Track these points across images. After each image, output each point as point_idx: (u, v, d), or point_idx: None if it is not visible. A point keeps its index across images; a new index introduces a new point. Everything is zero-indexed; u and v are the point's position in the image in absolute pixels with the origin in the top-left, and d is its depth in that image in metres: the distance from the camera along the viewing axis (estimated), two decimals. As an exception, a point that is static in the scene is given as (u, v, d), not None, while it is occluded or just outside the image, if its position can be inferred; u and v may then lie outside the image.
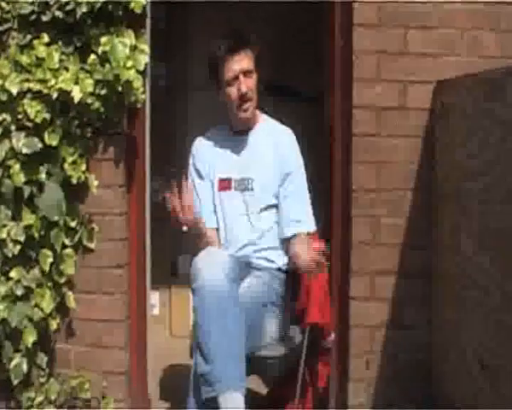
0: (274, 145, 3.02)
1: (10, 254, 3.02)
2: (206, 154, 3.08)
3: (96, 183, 3.05)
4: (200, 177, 3.07)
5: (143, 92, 3.03)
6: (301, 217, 2.98)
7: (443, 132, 2.97)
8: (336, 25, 3.09)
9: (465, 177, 2.75)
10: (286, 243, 2.99)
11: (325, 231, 3.21)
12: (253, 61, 2.94)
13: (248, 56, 2.93)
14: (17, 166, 2.99)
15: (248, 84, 2.92)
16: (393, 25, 3.01)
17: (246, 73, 2.91)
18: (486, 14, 3.03)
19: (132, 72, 2.95)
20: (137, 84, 2.97)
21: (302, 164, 3.04)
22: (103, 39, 2.94)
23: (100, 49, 2.94)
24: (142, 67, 2.99)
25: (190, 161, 3.12)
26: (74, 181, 2.99)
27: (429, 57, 3.03)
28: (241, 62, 2.91)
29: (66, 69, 2.97)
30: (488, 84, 2.59)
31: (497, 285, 2.45)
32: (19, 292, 3.01)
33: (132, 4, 2.96)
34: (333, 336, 3.10)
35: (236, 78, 2.91)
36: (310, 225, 2.99)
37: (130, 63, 2.95)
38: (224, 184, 3.02)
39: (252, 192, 2.99)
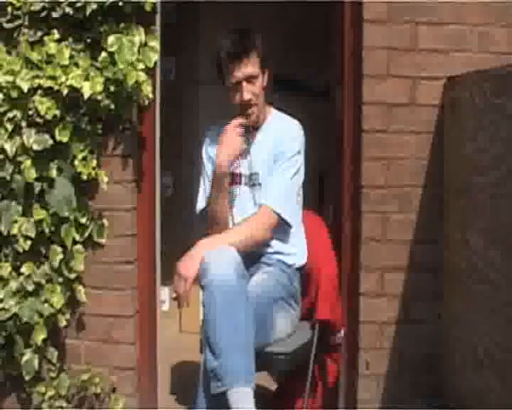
0: (277, 136, 3.00)
1: (21, 250, 3.03)
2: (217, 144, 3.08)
3: (106, 179, 3.05)
4: (212, 163, 3.06)
5: (152, 92, 3.04)
6: (270, 192, 2.93)
7: (452, 127, 2.96)
8: (346, 20, 3.08)
9: (475, 171, 2.75)
10: None
11: (335, 227, 3.21)
12: (257, 65, 2.91)
13: (252, 61, 2.89)
14: (28, 163, 2.99)
15: (252, 90, 2.91)
16: (403, 20, 3.01)
17: (249, 78, 2.90)
18: (496, 9, 3.01)
19: (141, 73, 2.96)
20: (146, 88, 2.98)
21: (295, 152, 2.96)
22: (110, 40, 2.94)
23: (108, 49, 2.95)
24: (151, 64, 3.00)
25: (203, 148, 3.13)
26: (84, 177, 3.00)
27: (439, 53, 3.02)
28: (244, 69, 2.88)
29: (77, 66, 2.97)
30: (497, 79, 2.58)
31: (508, 280, 2.44)
32: (29, 288, 3.01)
33: (143, 1, 2.97)
34: (342, 332, 3.10)
35: (239, 84, 2.90)
36: (274, 202, 2.90)
37: (140, 65, 2.96)
38: (235, 179, 3.02)
39: (259, 187, 2.99)
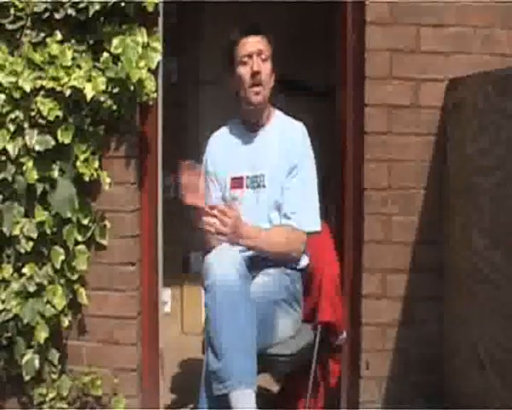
0: (283, 139, 3.00)
1: (23, 251, 3.03)
2: (217, 154, 3.08)
3: (108, 180, 3.05)
4: (211, 178, 3.08)
5: (155, 91, 3.04)
6: (295, 211, 2.94)
7: (455, 129, 2.97)
8: (348, 22, 3.09)
9: (477, 172, 2.75)
10: None
11: (337, 229, 3.21)
12: (268, 50, 2.95)
13: (264, 42, 2.94)
14: (30, 164, 3.00)
15: (262, 67, 2.92)
16: (406, 22, 3.01)
17: (260, 55, 2.92)
18: (499, 11, 3.02)
19: (144, 71, 2.96)
20: (150, 84, 2.98)
21: (309, 158, 2.99)
22: (115, 41, 2.95)
23: (112, 49, 2.95)
24: (154, 65, 3.00)
25: (204, 160, 3.13)
26: (87, 178, 3.00)
27: (441, 55, 3.03)
28: (256, 44, 2.92)
29: (79, 67, 2.98)
30: (500, 80, 2.58)
31: (509, 280, 2.45)
32: (31, 288, 3.02)
33: (145, 2, 2.97)
34: (344, 333, 3.10)
35: (250, 57, 2.91)
36: (303, 221, 2.94)
37: (142, 63, 2.96)
38: (237, 183, 3.01)
39: (264, 189, 2.98)
